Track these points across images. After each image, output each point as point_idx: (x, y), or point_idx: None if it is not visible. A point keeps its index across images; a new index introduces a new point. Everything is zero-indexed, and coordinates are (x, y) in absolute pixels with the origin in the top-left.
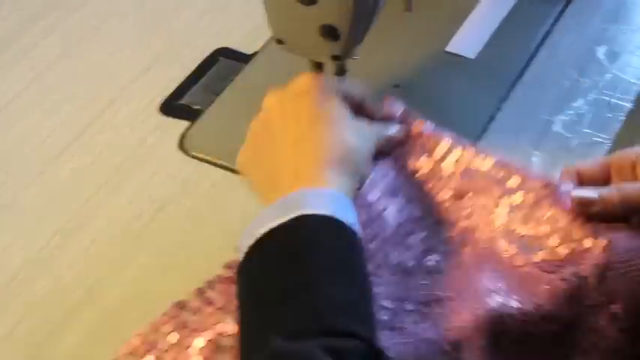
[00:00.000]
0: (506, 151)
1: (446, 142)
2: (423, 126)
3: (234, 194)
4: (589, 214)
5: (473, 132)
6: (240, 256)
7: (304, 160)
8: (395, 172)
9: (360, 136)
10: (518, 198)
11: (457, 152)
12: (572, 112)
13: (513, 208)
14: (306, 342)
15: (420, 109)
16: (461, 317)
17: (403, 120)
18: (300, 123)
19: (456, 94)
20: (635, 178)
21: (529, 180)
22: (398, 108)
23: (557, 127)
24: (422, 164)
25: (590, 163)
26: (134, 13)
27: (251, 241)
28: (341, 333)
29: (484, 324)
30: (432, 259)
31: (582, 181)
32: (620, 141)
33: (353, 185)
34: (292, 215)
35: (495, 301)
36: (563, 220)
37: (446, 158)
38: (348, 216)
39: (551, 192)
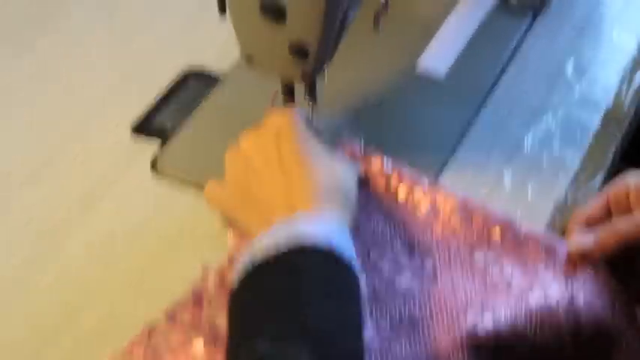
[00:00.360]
0: (476, 169)
1: (406, 181)
2: (383, 164)
3: (207, 215)
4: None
5: (443, 149)
6: (234, 279)
7: (298, 196)
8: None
9: (345, 169)
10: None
11: (418, 193)
12: (542, 128)
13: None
14: (292, 346)
15: (390, 127)
16: (439, 336)
17: (362, 158)
18: (285, 162)
19: (425, 112)
20: (629, 208)
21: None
22: (357, 146)
23: (527, 144)
24: (385, 203)
25: (592, 204)
26: (102, 33)
27: (249, 265)
28: (328, 340)
29: (461, 341)
30: (403, 279)
31: (589, 225)
32: (591, 156)
33: (347, 217)
34: (291, 246)
35: (471, 317)
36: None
37: (408, 199)
38: (346, 247)
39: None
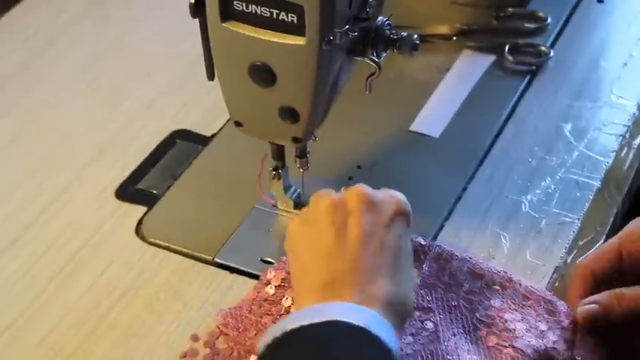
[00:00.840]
0: (473, 232)
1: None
2: None
3: (194, 282)
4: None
5: (439, 213)
6: (260, 347)
7: (369, 292)
8: None
9: (409, 282)
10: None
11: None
12: (540, 191)
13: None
14: None
15: None
16: None
17: None
18: (385, 249)
19: (420, 175)
20: None
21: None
22: None
23: (525, 207)
24: None
25: (600, 255)
26: (87, 95)
27: (279, 333)
28: None
29: None
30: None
31: (596, 278)
32: (591, 218)
33: (399, 326)
34: (327, 319)
35: None
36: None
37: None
38: (386, 334)
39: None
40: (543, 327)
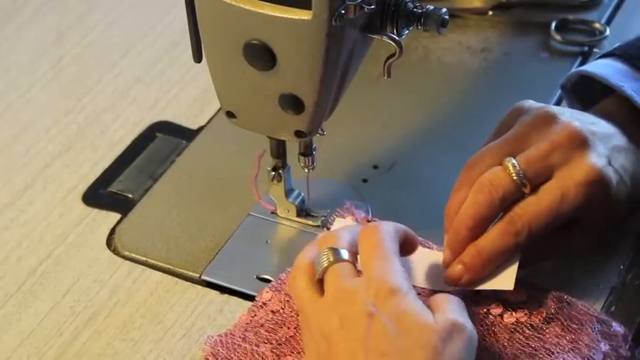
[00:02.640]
0: None
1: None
2: None
3: (177, 304)
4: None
5: None
6: None
7: None
8: None
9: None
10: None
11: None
12: None
13: None
14: None
15: (403, 194)
16: None
17: None
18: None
19: (448, 177)
20: None
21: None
22: (363, 214)
23: None
24: None
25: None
26: (48, 80)
27: None
28: None
29: None
30: None
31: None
32: None
33: None
34: None
35: None
36: None
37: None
38: None
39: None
40: (599, 356)
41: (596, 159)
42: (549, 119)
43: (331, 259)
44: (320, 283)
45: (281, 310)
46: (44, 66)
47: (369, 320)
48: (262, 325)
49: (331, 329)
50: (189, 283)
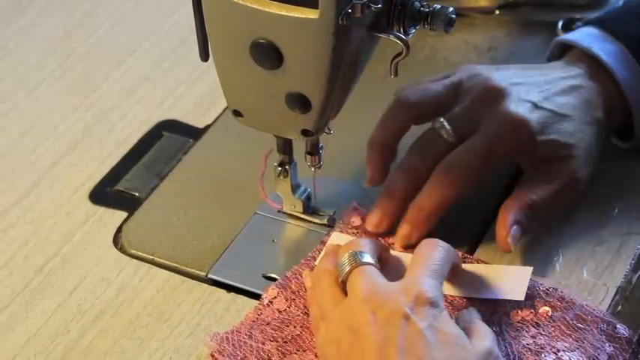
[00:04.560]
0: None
1: None
2: None
3: (183, 303)
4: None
5: (479, 222)
6: None
7: None
8: None
9: None
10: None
11: None
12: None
13: None
14: None
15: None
16: None
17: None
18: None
19: None
20: None
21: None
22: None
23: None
24: None
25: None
26: (56, 78)
27: None
28: None
29: None
30: None
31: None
32: None
33: None
34: None
35: None
36: None
37: None
38: None
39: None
40: (603, 357)
41: (514, 105)
42: (474, 78)
43: (356, 261)
44: (343, 285)
45: (287, 309)
46: (51, 64)
47: (404, 321)
48: (268, 324)
49: (362, 323)
50: (195, 282)
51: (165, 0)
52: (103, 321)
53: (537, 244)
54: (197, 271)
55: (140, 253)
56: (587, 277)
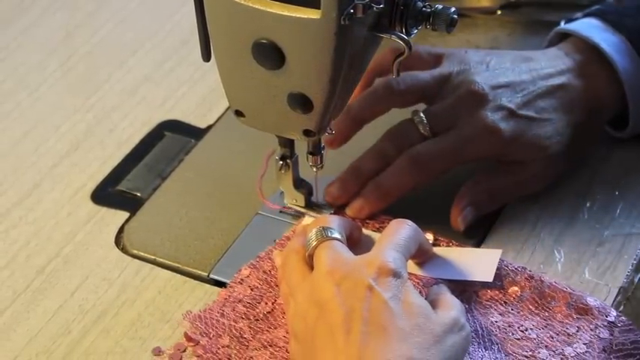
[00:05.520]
0: (521, 244)
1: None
2: None
3: (185, 303)
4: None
5: (481, 221)
6: None
7: None
8: None
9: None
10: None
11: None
12: (601, 196)
13: None
14: None
15: (416, 192)
16: None
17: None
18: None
19: (460, 174)
20: None
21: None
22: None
23: (584, 215)
24: None
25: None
26: (57, 78)
27: None
28: None
29: None
30: None
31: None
32: None
33: None
34: None
35: None
36: None
37: None
38: None
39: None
40: (572, 330)
41: (491, 112)
42: (462, 75)
43: (323, 236)
44: (311, 260)
45: (259, 286)
46: (53, 64)
47: (368, 292)
48: (240, 301)
49: (326, 297)
50: (197, 282)
51: (167, 0)
52: (105, 321)
53: (539, 244)
54: (199, 271)
55: (142, 254)
56: (589, 277)
